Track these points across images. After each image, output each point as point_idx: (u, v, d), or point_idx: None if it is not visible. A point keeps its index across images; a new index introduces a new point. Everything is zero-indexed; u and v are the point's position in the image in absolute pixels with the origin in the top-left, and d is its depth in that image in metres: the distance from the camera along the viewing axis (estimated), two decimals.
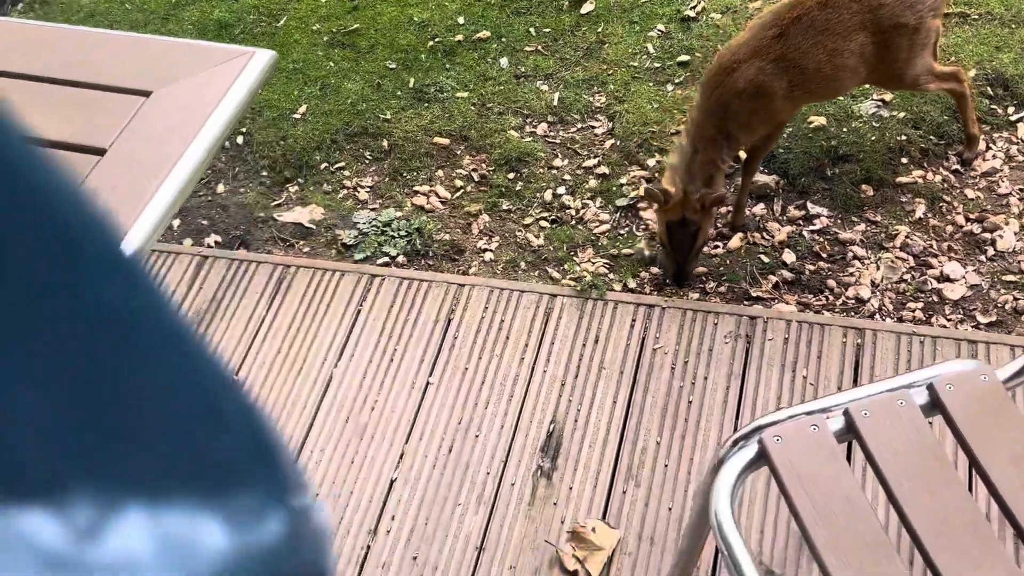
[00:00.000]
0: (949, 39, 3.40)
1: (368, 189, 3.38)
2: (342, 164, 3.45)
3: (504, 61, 3.67)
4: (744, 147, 2.91)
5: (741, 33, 2.87)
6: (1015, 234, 2.94)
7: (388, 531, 2.53)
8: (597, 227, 3.15)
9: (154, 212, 1.42)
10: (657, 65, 3.55)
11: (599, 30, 3.70)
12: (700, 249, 2.88)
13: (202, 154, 1.52)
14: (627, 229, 3.15)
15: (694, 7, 3.70)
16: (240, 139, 3.56)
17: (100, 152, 1.52)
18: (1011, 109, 3.22)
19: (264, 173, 3.47)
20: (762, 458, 1.73)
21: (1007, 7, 3.46)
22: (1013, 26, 3.40)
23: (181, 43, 1.66)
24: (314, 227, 3.29)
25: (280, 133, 3.54)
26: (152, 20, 4.10)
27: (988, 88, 3.27)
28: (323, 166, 3.45)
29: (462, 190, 3.32)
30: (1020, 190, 3.04)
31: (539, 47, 3.69)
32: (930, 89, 3.00)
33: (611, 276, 3.01)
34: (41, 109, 1.58)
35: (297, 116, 3.58)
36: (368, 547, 2.51)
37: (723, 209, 3.10)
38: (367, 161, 3.46)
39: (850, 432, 1.75)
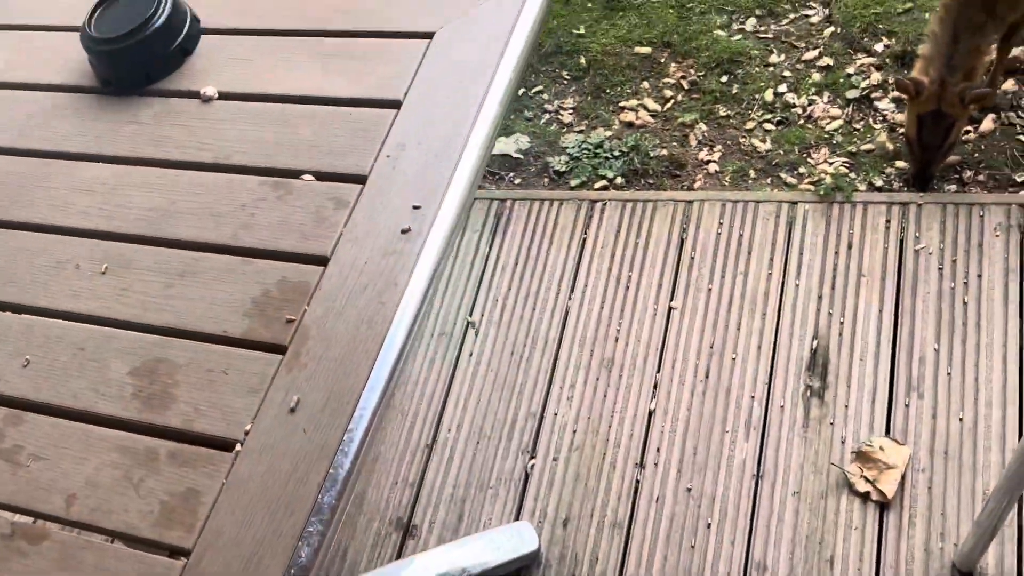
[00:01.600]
0: None
1: (571, 111, 3.23)
2: (540, 88, 3.31)
3: None
4: (1008, 26, 2.62)
5: None
6: None
7: (656, 464, 2.44)
8: (829, 124, 2.93)
9: (467, 164, 1.32)
10: None
11: None
12: (952, 148, 2.63)
13: (502, 95, 1.40)
14: (863, 123, 2.91)
15: None
16: None
17: (396, 105, 1.43)
18: None
19: None
20: None
21: None
22: None
23: None
24: (522, 156, 3.17)
25: None
26: None
27: None
28: (520, 92, 3.31)
29: (672, 100, 3.14)
30: None
31: None
32: None
33: (853, 176, 2.80)
34: (323, 65, 1.50)
35: None
36: (638, 481, 2.43)
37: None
38: (566, 81, 3.30)
39: None
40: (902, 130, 2.80)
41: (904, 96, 2.66)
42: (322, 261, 1.29)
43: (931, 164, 2.66)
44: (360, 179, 1.35)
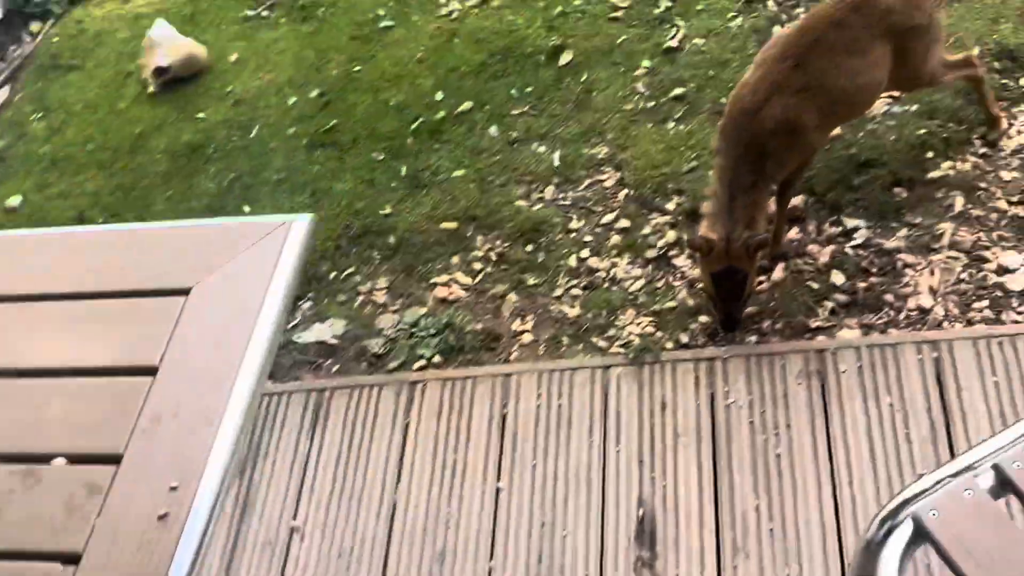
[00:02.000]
0: (943, 20, 3.29)
1: (385, 291, 3.23)
2: (351, 270, 3.30)
3: (493, 129, 3.53)
4: (779, 182, 2.78)
5: (752, 69, 2.75)
6: None
7: None
8: (632, 284, 3.01)
9: (227, 432, 1.27)
10: (651, 104, 3.43)
11: (583, 79, 3.57)
12: (750, 295, 2.74)
13: (265, 346, 1.37)
14: (663, 281, 3.01)
15: (674, 37, 3.58)
16: None
17: (151, 372, 1.37)
18: (1023, 80, 3.11)
19: None
20: (921, 536, 1.58)
21: None
22: None
23: (210, 226, 1.52)
24: (338, 342, 3.13)
25: None
26: (119, 156, 3.94)
27: (995, 63, 3.16)
28: (332, 275, 3.29)
29: (483, 273, 3.18)
30: None
31: (526, 108, 3.56)
32: (948, 81, 2.90)
33: (660, 334, 2.87)
34: (75, 332, 1.43)
35: None
36: None
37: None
38: (377, 261, 3.30)
39: (1006, 488, 1.61)
40: (701, 286, 2.90)
41: (697, 255, 2.76)
42: (73, 559, 1.20)
43: (733, 314, 2.76)
44: (114, 459, 1.28)
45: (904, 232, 2.90)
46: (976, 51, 3.17)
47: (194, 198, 3.63)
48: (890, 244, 2.88)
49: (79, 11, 4.67)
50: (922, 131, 3.08)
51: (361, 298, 3.23)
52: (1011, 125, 3.03)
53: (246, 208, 3.54)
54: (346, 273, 3.29)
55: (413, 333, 3.07)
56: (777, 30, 3.45)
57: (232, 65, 4.09)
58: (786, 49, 2.65)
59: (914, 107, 3.14)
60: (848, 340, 2.70)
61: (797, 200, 3.03)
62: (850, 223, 2.96)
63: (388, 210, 3.41)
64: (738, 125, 2.66)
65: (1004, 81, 3.12)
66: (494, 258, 3.20)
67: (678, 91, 3.42)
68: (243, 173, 3.66)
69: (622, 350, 2.84)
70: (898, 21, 2.66)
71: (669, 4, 3.69)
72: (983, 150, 3.01)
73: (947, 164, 2.99)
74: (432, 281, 3.20)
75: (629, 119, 3.41)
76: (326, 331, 3.17)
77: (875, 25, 2.65)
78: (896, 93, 3.15)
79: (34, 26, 4.70)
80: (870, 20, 2.66)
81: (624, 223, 3.16)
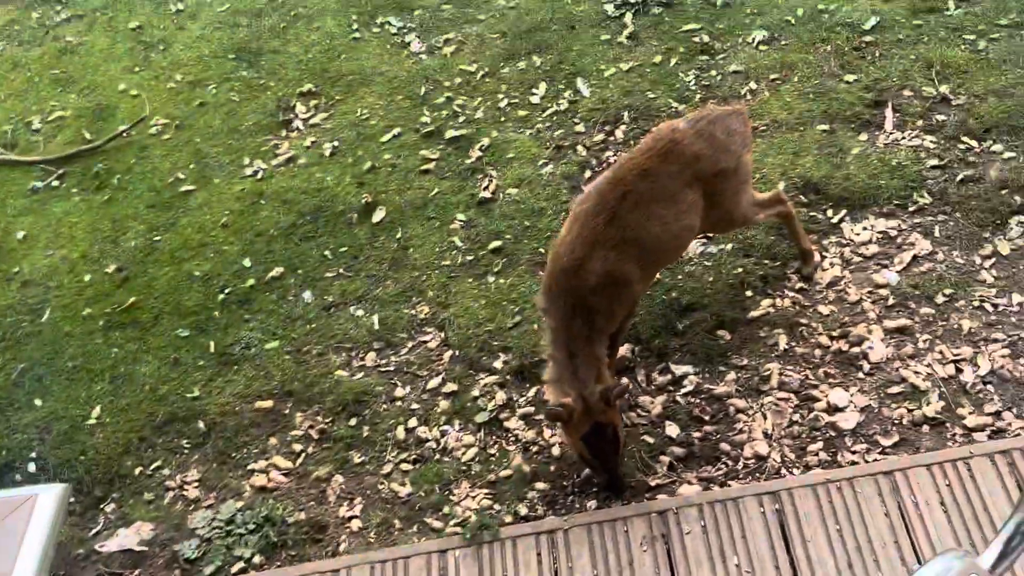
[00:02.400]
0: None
1: (197, 484, 2.94)
2: (159, 463, 3.00)
3: (307, 295, 3.35)
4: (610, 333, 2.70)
5: (567, 224, 2.68)
6: (882, 340, 2.83)
7: None
8: (464, 453, 2.84)
9: None
10: (470, 258, 3.32)
11: (398, 236, 3.45)
12: (623, 448, 2.62)
13: None
14: (497, 447, 2.85)
15: (487, 187, 3.52)
16: (32, 466, 3.06)
17: None
18: (830, 212, 3.17)
19: (71, 500, 2.97)
20: None
21: (788, 111, 3.46)
22: (801, 128, 3.39)
23: None
24: (147, 548, 2.81)
25: (77, 448, 3.06)
26: None
27: (801, 196, 3.21)
28: (137, 471, 2.99)
29: (304, 454, 2.94)
30: (868, 293, 2.95)
31: (340, 270, 3.40)
32: (760, 220, 2.92)
33: (497, 507, 2.69)
34: None
35: (92, 422, 3.11)
36: None
37: None
38: (186, 451, 3.02)
39: None
40: (535, 449, 2.76)
41: (558, 424, 2.63)
42: None
43: (615, 471, 2.62)
44: None
45: (732, 376, 2.85)
46: (782, 185, 3.22)
47: None
48: (720, 389, 2.82)
49: None
50: (739, 269, 3.08)
51: (171, 494, 2.93)
52: (823, 258, 3.06)
53: (37, 402, 3.21)
54: (153, 467, 3.00)
55: (230, 531, 2.79)
56: (588, 176, 3.45)
57: (19, 243, 3.78)
58: (599, 203, 2.60)
59: (729, 246, 3.14)
60: (689, 497, 2.59)
61: (624, 350, 2.95)
62: (679, 370, 2.89)
63: (196, 392, 3.15)
64: (561, 285, 2.58)
65: (812, 214, 3.17)
66: (315, 436, 2.98)
67: (495, 243, 3.33)
68: (34, 363, 3.34)
69: (459, 529, 2.65)
70: (706, 166, 2.66)
71: (480, 154, 3.63)
72: (800, 285, 3.02)
73: (766, 302, 2.99)
74: (248, 468, 2.95)
75: (448, 275, 3.29)
76: (132, 537, 2.86)
77: (684, 172, 2.64)
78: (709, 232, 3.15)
79: None
80: (679, 167, 2.64)
81: (451, 387, 3.00)
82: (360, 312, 3.26)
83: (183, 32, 4.54)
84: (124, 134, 4.09)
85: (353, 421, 2.98)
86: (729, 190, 2.75)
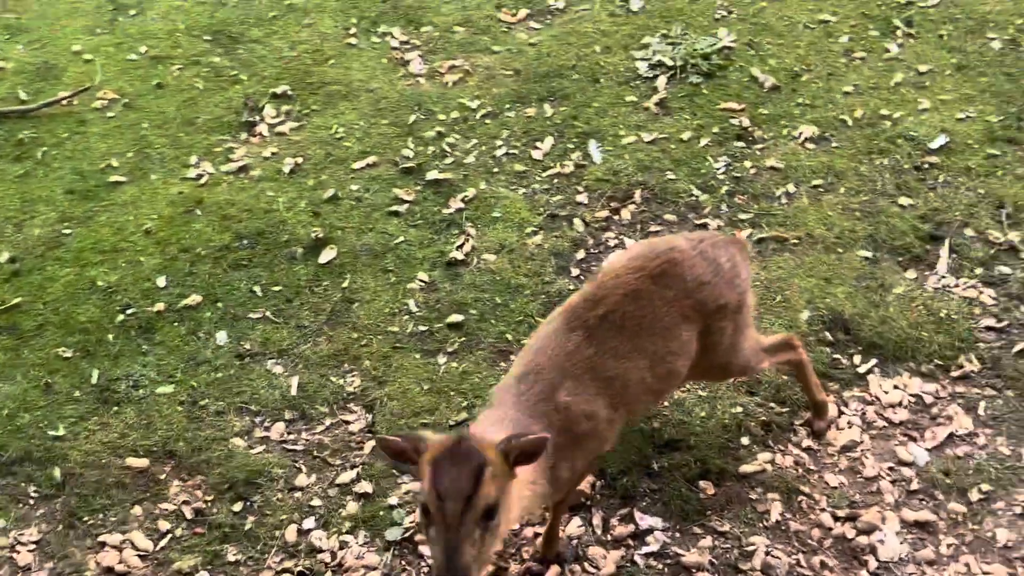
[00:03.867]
0: (770, 272, 2.81)
1: (34, 547, 2.38)
2: None
3: (222, 335, 2.78)
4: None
5: (538, 331, 2.13)
6: (897, 534, 2.29)
7: None
8: None
9: None
10: (423, 328, 2.77)
11: (345, 284, 2.90)
12: (495, 521, 1.79)
13: None
14: (406, 574, 2.29)
15: (461, 247, 2.97)
16: None
17: None
18: (857, 358, 2.63)
19: None
20: None
21: (828, 226, 2.92)
22: (839, 250, 2.86)
23: None
24: None
25: None
26: None
27: (826, 333, 2.67)
28: None
29: (170, 535, 2.38)
30: (889, 469, 2.41)
31: (268, 312, 2.84)
32: (764, 368, 2.38)
33: None
34: None
35: None
36: None
37: (529, 533, 2.31)
38: (32, 501, 2.46)
39: None
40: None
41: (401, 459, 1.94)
42: None
43: (458, 547, 1.91)
44: None
45: (708, 542, 2.30)
46: (806, 315, 2.69)
47: None
48: (690, 558, 2.27)
49: None
50: (738, 409, 2.54)
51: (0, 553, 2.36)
52: (841, 414, 2.53)
53: None
54: None
55: None
56: (580, 256, 2.91)
57: None
58: (572, 321, 2.06)
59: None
60: None
61: (584, 483, 2.40)
62: (644, 522, 2.34)
63: (61, 431, 2.58)
64: (514, 404, 2.01)
65: (836, 356, 2.64)
66: (189, 516, 2.41)
67: (456, 317, 2.78)
68: None
69: None
70: (708, 297, 2.12)
71: (461, 205, 3.09)
72: (807, 442, 2.48)
73: (765, 456, 2.44)
74: (100, 539, 2.38)
75: (393, 344, 2.74)
76: None
77: (681, 300, 2.10)
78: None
79: None
80: (675, 293, 2.10)
81: (366, 486, 2.44)
82: (279, 369, 2.70)
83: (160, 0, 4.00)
84: (64, 101, 3.54)
85: (238, 506, 2.41)
86: (729, 331, 2.20)
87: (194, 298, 2.88)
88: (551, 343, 2.04)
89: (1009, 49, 3.37)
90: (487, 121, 3.36)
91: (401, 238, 3.01)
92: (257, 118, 3.44)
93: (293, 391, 2.65)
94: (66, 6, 4.01)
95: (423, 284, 2.89)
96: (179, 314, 2.85)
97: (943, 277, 2.79)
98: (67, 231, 3.10)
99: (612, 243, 2.95)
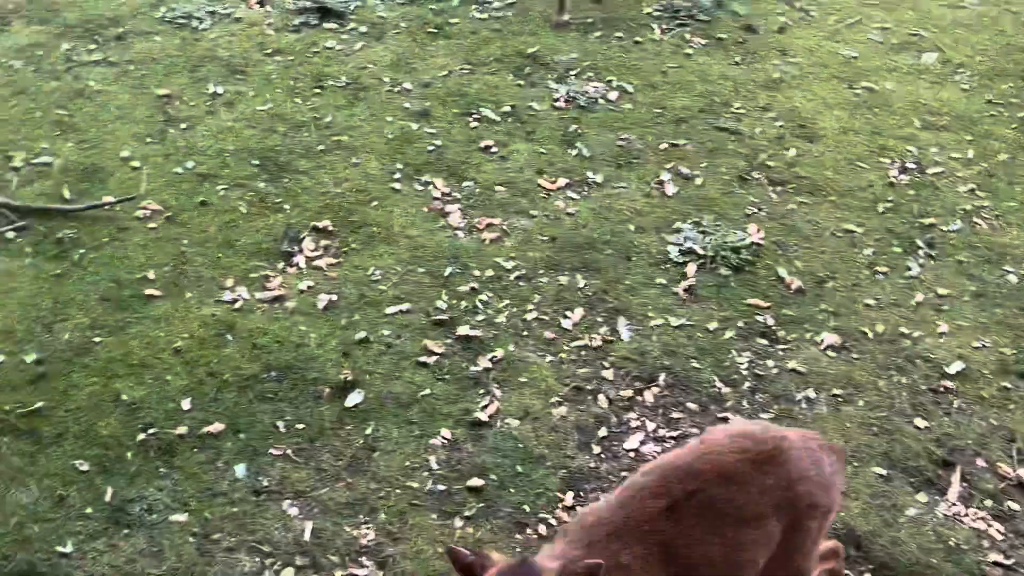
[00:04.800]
0: None
1: None
2: None
3: (241, 469, 2.77)
4: None
5: (633, 478, 2.16)
6: None
7: None
8: None
9: None
10: (442, 488, 2.78)
11: (368, 431, 2.91)
12: None
13: None
14: None
15: (486, 407, 3.00)
16: None
17: None
18: None
19: None
20: None
21: (846, 438, 2.98)
22: (856, 464, 2.91)
23: None
24: None
25: None
26: None
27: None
28: None
29: None
30: None
31: (289, 450, 2.84)
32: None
33: None
34: None
35: None
36: None
37: None
38: None
39: None
40: None
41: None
42: None
43: None
44: None
45: None
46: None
47: None
48: None
49: None
50: None
51: None
52: None
53: None
54: None
55: None
56: (603, 434, 2.95)
57: None
58: (662, 486, 2.09)
59: None
60: None
61: None
62: None
63: (69, 547, 2.54)
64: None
65: (847, 572, 2.66)
66: None
67: (476, 481, 2.79)
68: None
69: None
70: (803, 494, 2.14)
71: (489, 365, 3.14)
72: None
73: None
74: None
75: (411, 501, 2.74)
76: None
77: (776, 492, 2.12)
78: None
79: None
80: (774, 483, 2.12)
81: None
82: (294, 511, 2.69)
83: (212, 117, 4.10)
84: (107, 207, 3.59)
85: None
86: (813, 533, 2.22)
87: (217, 426, 2.87)
88: (635, 503, 2.06)
89: None
90: (520, 284, 3.44)
91: (428, 390, 3.04)
92: (296, 248, 3.50)
93: (307, 536, 2.63)
94: (118, 111, 4.10)
95: (445, 441, 2.90)
96: (200, 440, 2.84)
97: (954, 504, 2.85)
98: (97, 339, 3.11)
99: (634, 424, 2.99)
